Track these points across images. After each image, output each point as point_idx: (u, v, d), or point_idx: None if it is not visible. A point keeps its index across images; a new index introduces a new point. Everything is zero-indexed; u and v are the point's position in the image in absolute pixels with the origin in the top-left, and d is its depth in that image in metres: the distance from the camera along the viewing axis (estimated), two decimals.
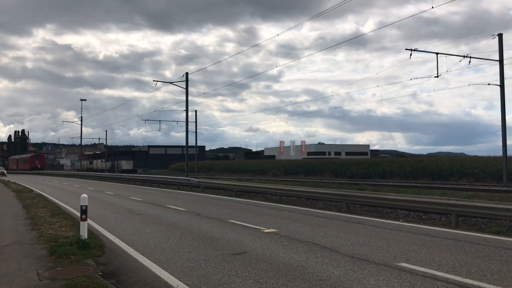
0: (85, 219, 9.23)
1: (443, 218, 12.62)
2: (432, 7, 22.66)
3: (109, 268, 7.57)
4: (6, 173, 68.50)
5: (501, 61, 30.30)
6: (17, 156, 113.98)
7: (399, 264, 7.29)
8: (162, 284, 6.49)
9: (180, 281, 6.57)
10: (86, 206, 9.24)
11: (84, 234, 9.14)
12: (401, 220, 12.92)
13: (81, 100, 79.92)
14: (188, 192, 26.74)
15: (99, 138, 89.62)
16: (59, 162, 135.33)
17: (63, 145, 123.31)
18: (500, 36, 30.29)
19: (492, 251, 8.25)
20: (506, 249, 8.44)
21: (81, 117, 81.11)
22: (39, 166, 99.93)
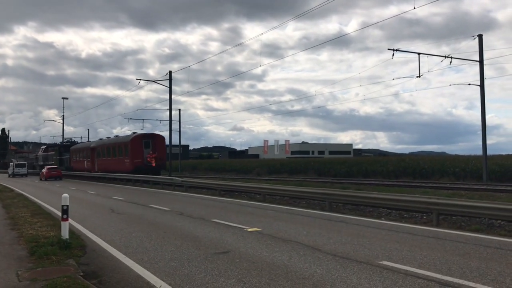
0: (66, 219, 9.12)
1: (424, 217, 12.76)
2: (414, 8, 22.96)
3: (90, 268, 7.49)
4: None
5: (481, 61, 30.77)
6: (93, 143, 51.83)
7: (381, 262, 7.36)
8: (144, 284, 6.45)
9: (163, 280, 6.53)
10: (67, 205, 9.13)
11: (65, 234, 9.03)
12: (383, 218, 13.03)
13: (63, 98, 78.52)
14: (171, 191, 26.63)
15: (81, 137, 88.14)
16: None
17: (44, 144, 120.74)
18: (480, 37, 30.77)
19: (472, 249, 8.38)
20: (485, 246, 8.57)
21: (63, 115, 78.83)
22: (153, 165, 39.70)
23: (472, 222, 11.64)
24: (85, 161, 51.08)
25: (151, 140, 40.09)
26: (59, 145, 66.45)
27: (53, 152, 66.30)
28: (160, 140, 40.97)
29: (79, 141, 71.00)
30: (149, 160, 38.82)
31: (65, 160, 60.63)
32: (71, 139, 64.94)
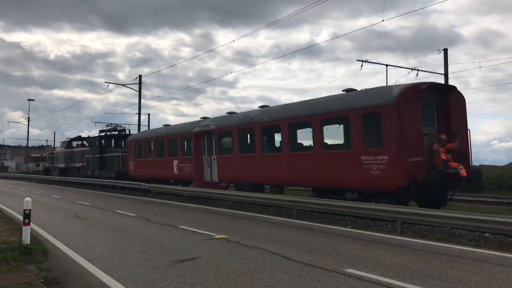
0: (28, 224, 8.91)
1: (389, 225, 12.98)
2: (383, 20, 23.45)
3: (52, 275, 7.33)
4: None
5: (446, 74, 31.70)
6: (202, 124, 22.54)
7: (346, 270, 7.45)
8: None
9: (126, 287, 6.44)
10: (30, 210, 8.92)
11: (26, 239, 8.81)
12: (349, 226, 13.19)
13: (29, 100, 76.43)
14: (138, 197, 26.26)
15: (47, 140, 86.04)
16: (3, 164, 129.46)
17: (8, 146, 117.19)
18: (446, 51, 31.76)
19: (434, 257, 8.57)
20: (447, 255, 8.79)
21: (28, 117, 76.73)
22: (461, 174, 13.36)
23: (435, 231, 11.90)
24: (174, 161, 25.55)
25: (439, 103, 14.48)
26: (98, 136, 37.16)
27: (84, 148, 42.12)
28: (460, 102, 14.83)
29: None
30: (444, 158, 13.71)
31: (114, 159, 34.26)
32: (117, 125, 39.26)
